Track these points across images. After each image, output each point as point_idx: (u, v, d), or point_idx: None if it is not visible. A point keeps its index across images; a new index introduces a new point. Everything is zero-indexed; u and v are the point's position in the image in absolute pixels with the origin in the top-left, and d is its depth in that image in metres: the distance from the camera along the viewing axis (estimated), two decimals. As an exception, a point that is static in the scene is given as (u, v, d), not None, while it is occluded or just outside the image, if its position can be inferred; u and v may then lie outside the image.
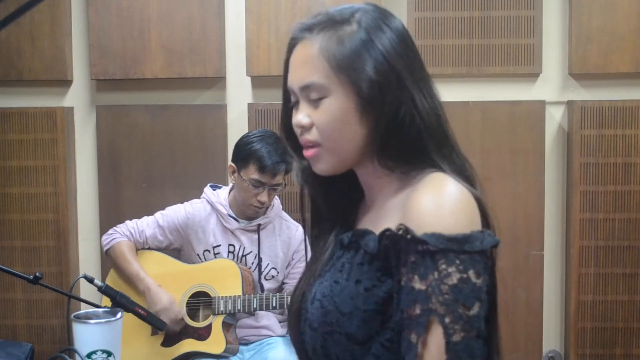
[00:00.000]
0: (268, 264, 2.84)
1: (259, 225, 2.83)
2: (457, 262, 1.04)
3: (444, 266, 1.04)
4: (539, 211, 3.38)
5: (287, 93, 1.25)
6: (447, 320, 1.03)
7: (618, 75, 3.36)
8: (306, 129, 1.20)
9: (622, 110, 3.32)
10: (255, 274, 2.83)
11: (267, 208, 2.82)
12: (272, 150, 2.71)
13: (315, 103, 1.19)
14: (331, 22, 1.19)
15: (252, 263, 2.83)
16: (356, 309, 1.12)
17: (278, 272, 2.86)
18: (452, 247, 1.04)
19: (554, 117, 3.43)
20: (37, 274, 2.00)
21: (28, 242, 3.48)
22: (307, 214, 1.35)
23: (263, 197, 2.72)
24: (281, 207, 2.91)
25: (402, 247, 1.08)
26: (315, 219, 1.34)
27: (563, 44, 3.39)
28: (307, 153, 1.22)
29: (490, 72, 3.40)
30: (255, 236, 2.83)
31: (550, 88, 3.42)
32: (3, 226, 3.49)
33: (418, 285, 1.05)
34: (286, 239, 2.87)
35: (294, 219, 2.94)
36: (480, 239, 1.06)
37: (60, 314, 3.44)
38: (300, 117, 1.20)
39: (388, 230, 1.11)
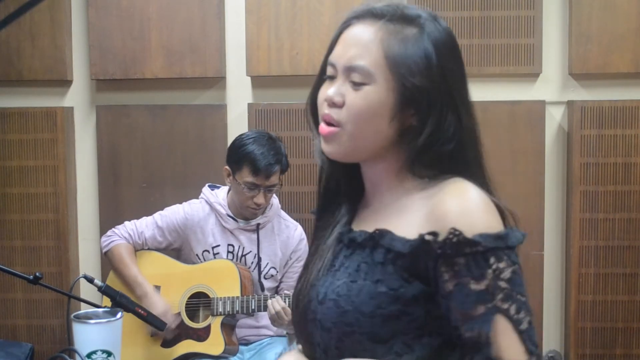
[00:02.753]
0: (267, 263, 2.84)
1: (258, 224, 2.82)
2: (505, 257, 1.10)
3: (496, 264, 1.09)
4: (539, 211, 3.37)
5: (324, 65, 1.24)
6: (512, 312, 1.09)
7: (618, 75, 3.36)
8: (337, 106, 1.18)
9: (622, 110, 3.31)
10: (255, 273, 2.82)
11: (266, 208, 2.82)
12: (265, 151, 2.68)
13: (354, 86, 1.18)
14: (400, 18, 1.19)
15: (252, 263, 2.82)
16: (379, 309, 1.13)
17: (277, 272, 2.86)
18: (500, 244, 1.10)
19: (554, 117, 3.43)
20: (37, 274, 2.00)
21: (28, 242, 3.48)
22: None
23: (259, 199, 2.71)
24: (280, 206, 2.90)
25: (445, 251, 1.09)
26: (324, 205, 1.31)
27: (563, 44, 3.39)
28: (324, 130, 1.20)
29: (490, 72, 3.39)
30: (254, 236, 2.83)
31: (550, 88, 3.41)
32: (3, 226, 3.48)
33: (475, 286, 1.09)
34: (285, 239, 2.86)
35: (293, 219, 2.94)
36: (515, 234, 1.13)
37: (60, 314, 3.44)
38: (334, 93, 1.19)
39: (432, 233, 1.11)
